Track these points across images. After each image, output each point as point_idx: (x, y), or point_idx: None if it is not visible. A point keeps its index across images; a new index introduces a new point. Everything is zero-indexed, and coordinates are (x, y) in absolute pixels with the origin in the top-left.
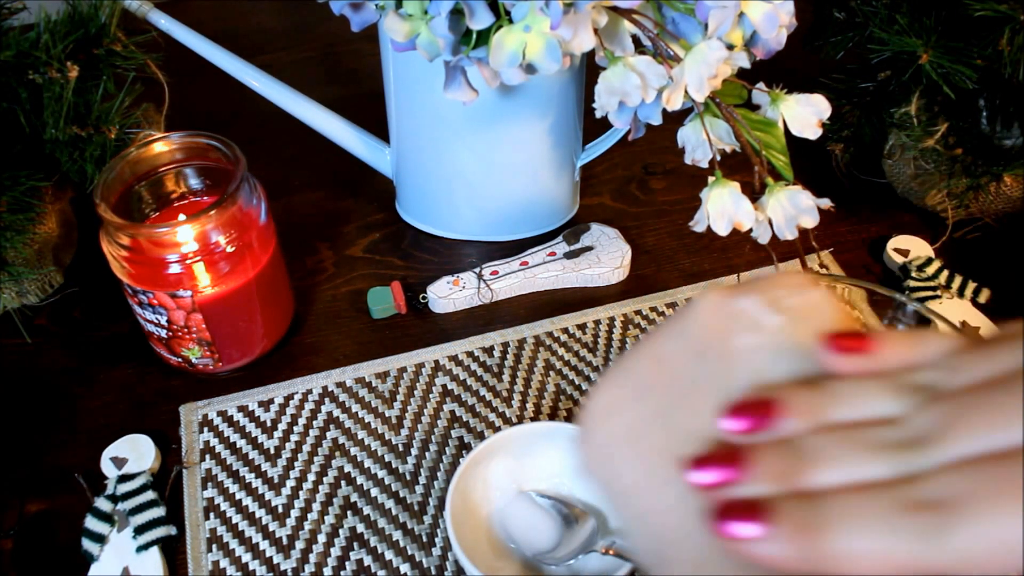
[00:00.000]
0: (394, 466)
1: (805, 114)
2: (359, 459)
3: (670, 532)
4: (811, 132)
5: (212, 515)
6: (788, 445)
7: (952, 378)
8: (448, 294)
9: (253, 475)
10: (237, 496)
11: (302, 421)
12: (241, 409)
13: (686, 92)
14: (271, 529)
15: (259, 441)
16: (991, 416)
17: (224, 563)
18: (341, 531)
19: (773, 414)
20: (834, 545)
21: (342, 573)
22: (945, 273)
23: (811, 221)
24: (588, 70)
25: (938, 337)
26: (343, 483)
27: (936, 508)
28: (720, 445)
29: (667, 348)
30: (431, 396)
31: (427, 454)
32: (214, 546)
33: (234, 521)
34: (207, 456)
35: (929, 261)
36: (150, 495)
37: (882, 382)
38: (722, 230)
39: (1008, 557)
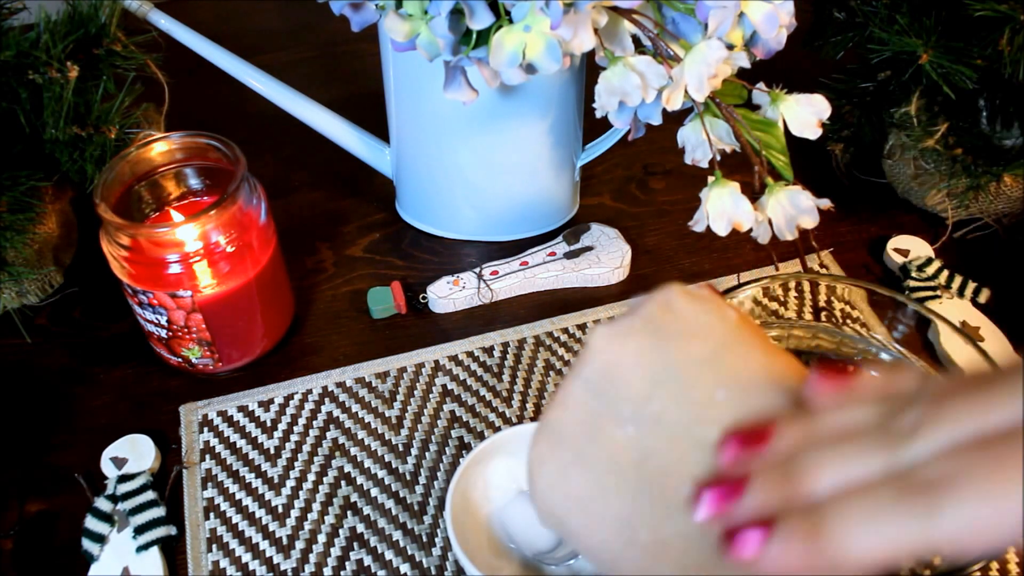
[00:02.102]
0: (394, 466)
1: (805, 114)
2: (359, 459)
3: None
4: (811, 132)
5: (212, 515)
6: (782, 462)
7: (927, 393)
8: (448, 294)
9: (253, 475)
10: (237, 496)
11: (302, 421)
12: (241, 409)
13: (686, 92)
14: (271, 529)
15: (259, 441)
16: (971, 402)
17: (224, 563)
18: (341, 531)
19: (766, 436)
20: (838, 542)
21: (342, 573)
22: (945, 273)
23: (811, 221)
24: (588, 70)
25: (913, 371)
26: (343, 483)
27: (927, 490)
28: (716, 474)
29: (574, 398)
30: (431, 396)
31: (427, 454)
32: (214, 546)
33: (234, 521)
34: (207, 456)
35: (929, 261)
36: (150, 495)
37: (864, 400)
38: (722, 230)
39: (1001, 531)
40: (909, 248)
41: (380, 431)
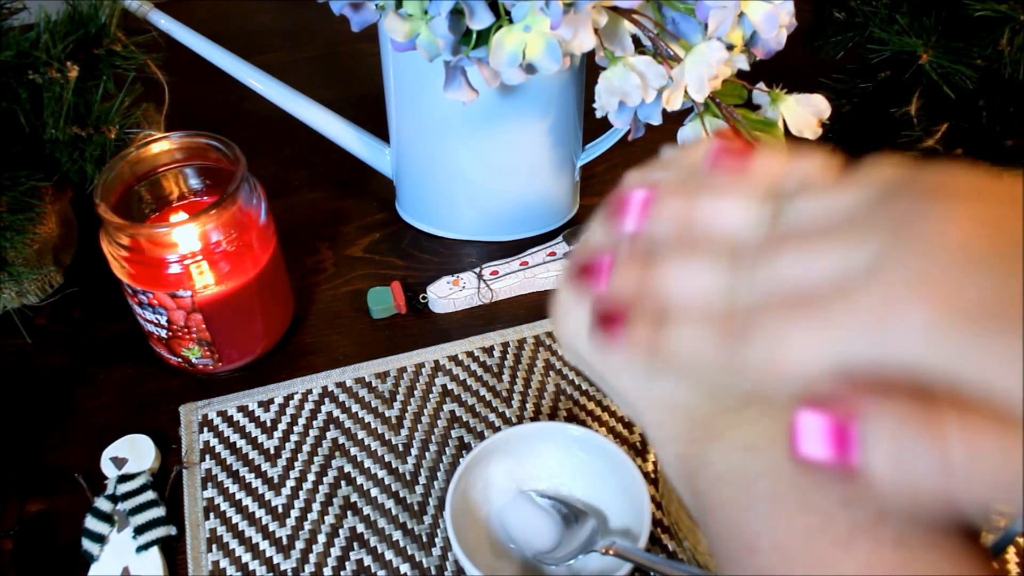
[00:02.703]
0: (394, 466)
1: (805, 114)
2: (359, 459)
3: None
4: (811, 132)
5: (212, 515)
6: (646, 250)
7: (803, 205)
8: (448, 294)
9: (253, 475)
10: (237, 496)
11: (302, 421)
12: (241, 409)
13: (686, 92)
14: (271, 529)
15: (259, 441)
16: (812, 248)
17: (224, 563)
18: (341, 531)
19: (648, 203)
20: (667, 342)
21: (342, 573)
22: None
23: None
24: (588, 70)
25: (808, 162)
26: (343, 483)
27: (739, 328)
28: (591, 252)
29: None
30: (431, 396)
31: (427, 454)
32: (214, 546)
33: (234, 521)
34: (207, 456)
35: None
36: (150, 495)
37: (748, 191)
38: None
39: (793, 376)
40: None
41: (380, 431)
